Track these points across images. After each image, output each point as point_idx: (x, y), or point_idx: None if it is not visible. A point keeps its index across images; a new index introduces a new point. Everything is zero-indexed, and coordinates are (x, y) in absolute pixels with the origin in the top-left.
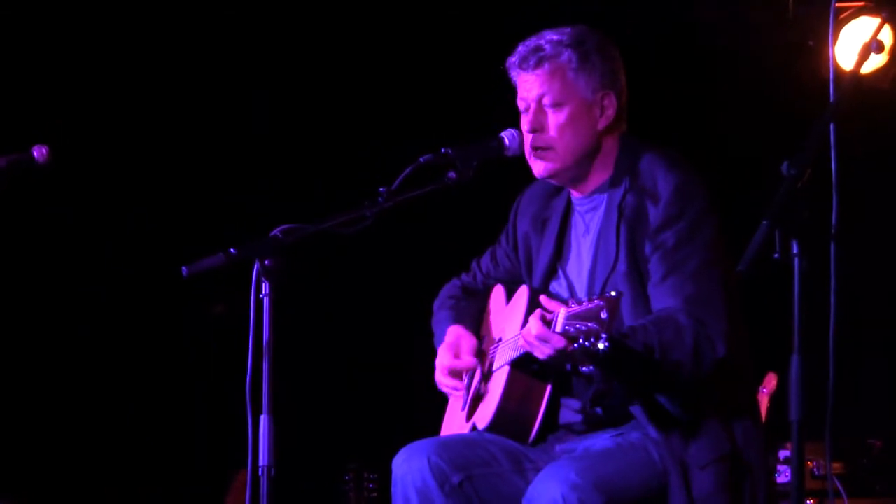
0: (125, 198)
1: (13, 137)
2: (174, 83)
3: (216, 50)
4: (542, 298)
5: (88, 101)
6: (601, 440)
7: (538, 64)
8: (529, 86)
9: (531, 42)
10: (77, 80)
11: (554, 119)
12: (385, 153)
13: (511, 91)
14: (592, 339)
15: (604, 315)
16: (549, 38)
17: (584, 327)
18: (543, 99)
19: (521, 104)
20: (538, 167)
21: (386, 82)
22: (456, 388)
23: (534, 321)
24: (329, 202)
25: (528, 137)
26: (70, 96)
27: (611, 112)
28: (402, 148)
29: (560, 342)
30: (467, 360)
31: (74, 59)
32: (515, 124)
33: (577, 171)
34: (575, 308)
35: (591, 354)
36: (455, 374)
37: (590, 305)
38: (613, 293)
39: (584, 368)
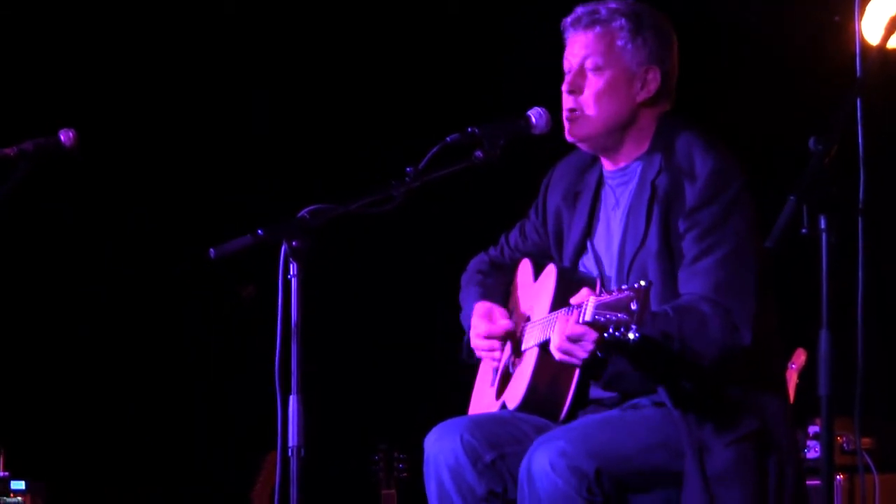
0: (146, 186)
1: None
2: (187, 77)
3: (226, 39)
4: (572, 300)
5: (93, 96)
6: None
7: (590, 25)
8: (576, 46)
9: (590, 5)
10: (82, 76)
11: (593, 83)
12: (412, 133)
13: (535, 69)
14: (623, 329)
15: (634, 306)
16: (609, 4)
17: (613, 317)
18: (587, 62)
19: (565, 64)
20: (567, 129)
21: (415, 62)
22: (493, 349)
23: (566, 323)
24: (356, 183)
25: (565, 99)
26: (74, 92)
27: (653, 87)
28: (429, 128)
29: (591, 334)
30: (503, 323)
31: (82, 55)
32: (540, 103)
33: (608, 140)
34: (605, 297)
35: (620, 345)
36: (492, 337)
37: (620, 295)
38: (643, 283)
39: (599, 353)
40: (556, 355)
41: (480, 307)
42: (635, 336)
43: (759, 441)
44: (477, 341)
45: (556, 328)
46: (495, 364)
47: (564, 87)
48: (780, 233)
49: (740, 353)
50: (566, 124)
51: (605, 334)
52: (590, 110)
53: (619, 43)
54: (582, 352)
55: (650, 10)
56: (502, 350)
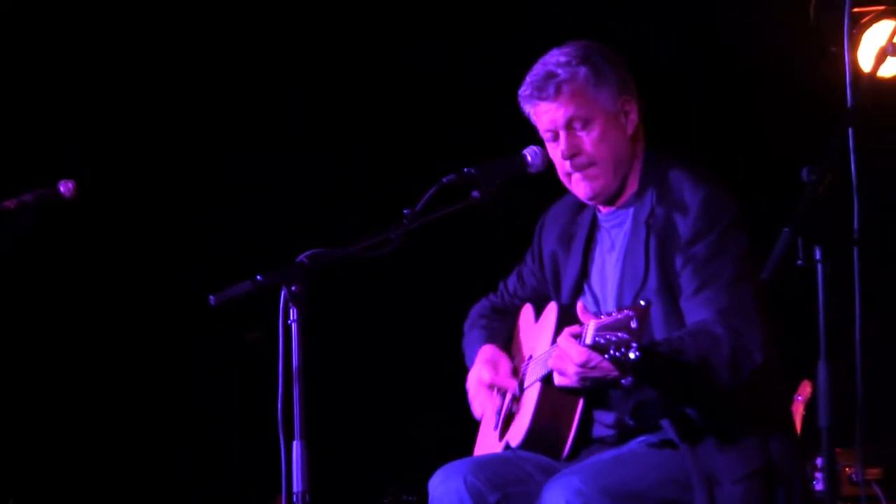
0: (152, 226)
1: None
2: (196, 103)
3: (227, 64)
4: (579, 307)
5: (109, 131)
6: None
7: (558, 90)
8: (553, 114)
9: (540, 70)
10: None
11: (588, 138)
12: (407, 174)
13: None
14: (623, 349)
15: (633, 325)
16: (556, 61)
17: (614, 337)
18: (574, 123)
19: (545, 134)
20: (584, 189)
21: (406, 102)
22: (492, 402)
23: (565, 341)
24: (352, 226)
25: (564, 164)
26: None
27: (634, 116)
28: (423, 168)
29: (592, 357)
30: (504, 378)
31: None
32: (534, 141)
33: (618, 184)
34: (605, 319)
35: (622, 364)
36: (492, 388)
37: (619, 316)
38: (643, 302)
39: (624, 381)
40: (556, 379)
41: (486, 351)
42: (636, 355)
43: (768, 476)
44: (477, 387)
45: (554, 353)
46: (497, 406)
47: (560, 154)
48: (776, 264)
49: (753, 373)
50: (579, 184)
51: (606, 355)
52: (597, 160)
53: (591, 92)
54: (572, 373)
55: (592, 46)
56: (498, 412)
